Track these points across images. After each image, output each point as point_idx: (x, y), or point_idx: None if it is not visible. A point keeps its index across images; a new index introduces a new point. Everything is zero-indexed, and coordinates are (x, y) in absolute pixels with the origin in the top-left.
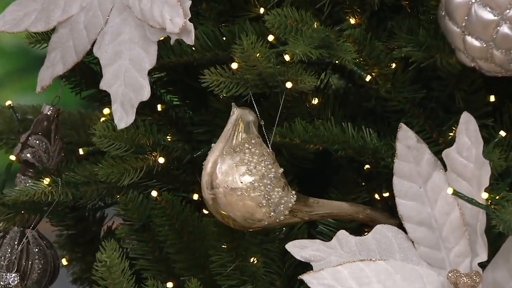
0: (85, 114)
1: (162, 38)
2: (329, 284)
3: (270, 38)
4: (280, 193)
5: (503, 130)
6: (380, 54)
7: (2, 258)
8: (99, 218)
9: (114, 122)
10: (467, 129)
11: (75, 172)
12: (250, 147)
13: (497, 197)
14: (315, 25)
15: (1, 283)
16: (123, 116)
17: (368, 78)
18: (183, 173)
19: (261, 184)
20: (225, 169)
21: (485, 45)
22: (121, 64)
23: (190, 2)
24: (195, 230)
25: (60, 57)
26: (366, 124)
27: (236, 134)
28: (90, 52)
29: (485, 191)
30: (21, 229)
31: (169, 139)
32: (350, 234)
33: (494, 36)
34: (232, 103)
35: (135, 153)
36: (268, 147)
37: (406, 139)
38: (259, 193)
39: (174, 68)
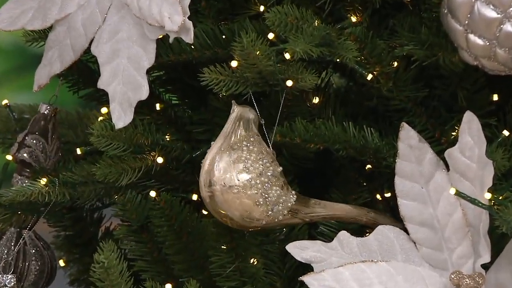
0: (83, 113)
1: (160, 36)
2: (330, 286)
3: (270, 36)
4: (278, 192)
5: (507, 130)
6: (381, 53)
7: None
8: (97, 218)
9: (112, 121)
10: (470, 129)
11: (72, 172)
12: (249, 144)
13: (500, 198)
14: (316, 23)
15: None
16: (121, 115)
17: (369, 76)
18: (182, 173)
19: (258, 182)
20: (223, 166)
21: (488, 43)
22: (119, 63)
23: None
24: (194, 230)
25: (57, 55)
26: (368, 123)
27: (235, 132)
28: (87, 51)
29: (488, 191)
30: (18, 230)
31: (168, 139)
32: (352, 235)
33: (497, 34)
34: (233, 101)
35: (134, 153)
36: (269, 147)
37: (408, 139)
38: (256, 191)
39: (173, 66)
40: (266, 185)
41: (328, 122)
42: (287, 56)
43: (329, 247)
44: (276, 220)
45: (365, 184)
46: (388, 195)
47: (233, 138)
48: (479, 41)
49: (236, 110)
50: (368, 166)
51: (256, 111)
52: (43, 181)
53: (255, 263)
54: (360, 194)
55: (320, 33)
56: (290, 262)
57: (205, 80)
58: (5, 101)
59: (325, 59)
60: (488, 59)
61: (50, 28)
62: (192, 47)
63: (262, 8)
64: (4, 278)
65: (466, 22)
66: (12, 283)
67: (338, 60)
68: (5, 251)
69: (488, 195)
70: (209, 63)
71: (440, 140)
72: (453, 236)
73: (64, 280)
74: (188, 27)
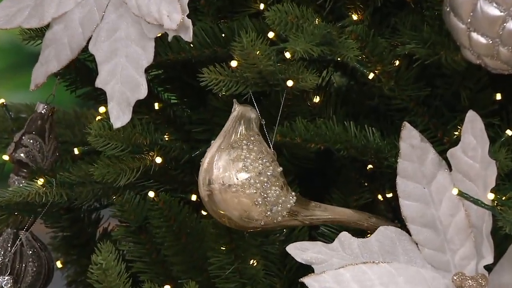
0: (80, 112)
1: (159, 35)
2: (331, 287)
3: (271, 35)
4: (277, 192)
5: (510, 129)
6: (383, 51)
7: None
8: (95, 219)
9: (110, 121)
10: (473, 128)
11: (70, 172)
12: (249, 143)
13: (503, 198)
14: (316, 21)
15: None
16: (119, 114)
17: (371, 75)
18: (181, 173)
19: (257, 181)
20: (222, 164)
21: (491, 41)
22: (117, 62)
23: None
24: (193, 231)
25: (54, 54)
26: (369, 123)
27: (235, 131)
28: (85, 49)
29: (491, 191)
30: (15, 231)
31: (166, 139)
32: (353, 236)
33: (501, 33)
34: (234, 100)
35: (132, 153)
36: (269, 146)
37: (410, 138)
38: (254, 191)
39: (172, 65)
40: (265, 184)
41: (329, 121)
42: (288, 55)
43: (330, 248)
44: (275, 221)
45: (366, 184)
46: (389, 195)
47: (233, 136)
48: (482, 40)
49: (237, 109)
50: (370, 166)
51: (256, 111)
52: (40, 181)
53: (255, 264)
54: (362, 195)
55: (320, 31)
56: (291, 264)
57: (205, 80)
58: (1, 100)
59: (326, 58)
60: (491, 58)
61: (47, 26)
62: (191, 45)
63: (262, 6)
64: (0, 279)
65: (469, 20)
66: (9, 285)
67: (339, 59)
68: (2, 252)
69: (491, 196)
70: (208, 62)
71: (443, 139)
72: (456, 237)
73: (61, 281)
74: (187, 26)
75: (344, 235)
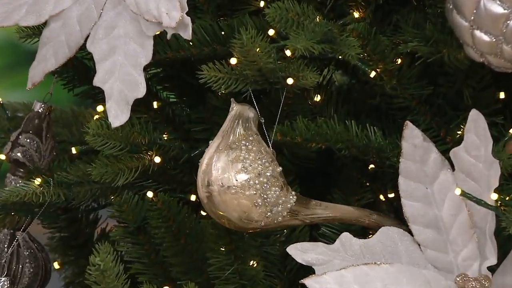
0: (78, 111)
1: (158, 33)
2: None
3: (271, 32)
4: (277, 192)
5: None
6: (385, 49)
7: None
8: (93, 219)
9: (108, 120)
10: (476, 127)
11: (67, 172)
12: (247, 144)
13: (507, 198)
14: (317, 19)
15: None
16: (117, 113)
17: (372, 74)
18: (180, 173)
19: (257, 182)
20: (220, 166)
21: (494, 39)
22: (116, 60)
23: None
24: (193, 232)
25: (52, 52)
26: (371, 122)
27: (234, 131)
28: (83, 47)
29: (494, 191)
30: (11, 231)
31: (165, 138)
32: (354, 236)
33: (504, 30)
34: (232, 99)
35: (130, 152)
36: (269, 146)
37: (412, 138)
38: (254, 192)
39: (170, 63)
40: (265, 185)
41: (330, 120)
42: (288, 53)
43: (331, 249)
44: (276, 221)
45: (368, 184)
46: (391, 195)
47: (231, 137)
48: (485, 38)
49: (235, 108)
50: (371, 165)
51: (256, 110)
52: (37, 181)
53: (255, 265)
54: (363, 195)
55: (321, 29)
56: (291, 265)
57: (204, 78)
58: None
59: (327, 56)
60: (495, 56)
61: (45, 24)
62: (191, 43)
63: (262, 3)
64: None
65: (472, 18)
66: (6, 286)
67: (340, 57)
68: None
69: (494, 196)
70: (207, 60)
71: (445, 139)
72: (459, 238)
73: (58, 283)
74: (186, 23)
75: (346, 236)
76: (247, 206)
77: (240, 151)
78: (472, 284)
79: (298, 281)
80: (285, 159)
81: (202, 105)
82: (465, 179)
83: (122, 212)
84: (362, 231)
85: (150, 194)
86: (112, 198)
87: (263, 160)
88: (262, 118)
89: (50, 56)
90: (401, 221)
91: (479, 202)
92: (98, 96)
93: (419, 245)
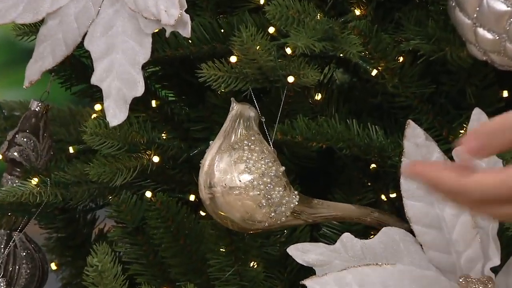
0: (76, 110)
1: (156, 31)
2: None
3: (271, 30)
4: (281, 192)
5: None
6: (386, 47)
7: None
8: (90, 220)
9: (106, 119)
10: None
11: (65, 171)
12: (250, 144)
13: None
14: (318, 16)
15: None
16: (115, 112)
17: (374, 72)
18: (179, 173)
19: (260, 183)
20: (223, 167)
21: (497, 37)
22: (114, 58)
23: None
24: (192, 232)
25: (49, 50)
26: (372, 121)
27: (235, 131)
28: (80, 45)
29: None
30: (8, 232)
31: (164, 137)
32: (355, 237)
33: (508, 28)
34: (232, 98)
35: (128, 152)
36: (269, 145)
37: (414, 137)
38: (258, 192)
39: (169, 62)
40: (269, 185)
41: (331, 119)
42: (288, 51)
43: (332, 249)
44: (279, 221)
45: (369, 184)
46: (393, 195)
47: (233, 137)
48: (488, 35)
49: (235, 108)
50: (373, 165)
51: (256, 109)
52: (34, 181)
53: (255, 266)
54: (365, 195)
55: (322, 27)
56: (292, 265)
57: (203, 76)
58: None
59: (327, 54)
60: (498, 54)
61: (42, 21)
62: (190, 41)
63: (262, 1)
64: None
65: (475, 15)
66: (2, 287)
67: (341, 55)
68: None
69: None
70: (207, 58)
71: (448, 138)
72: (461, 239)
73: (56, 284)
74: (185, 21)
75: (347, 236)
76: (251, 207)
77: (242, 151)
78: (475, 286)
79: (298, 282)
80: (285, 159)
81: (202, 104)
82: None
83: (120, 212)
84: (364, 232)
85: (148, 194)
86: (110, 198)
87: (266, 160)
88: (263, 117)
89: (47, 54)
90: (402, 220)
91: None
92: (96, 94)
93: (421, 245)
